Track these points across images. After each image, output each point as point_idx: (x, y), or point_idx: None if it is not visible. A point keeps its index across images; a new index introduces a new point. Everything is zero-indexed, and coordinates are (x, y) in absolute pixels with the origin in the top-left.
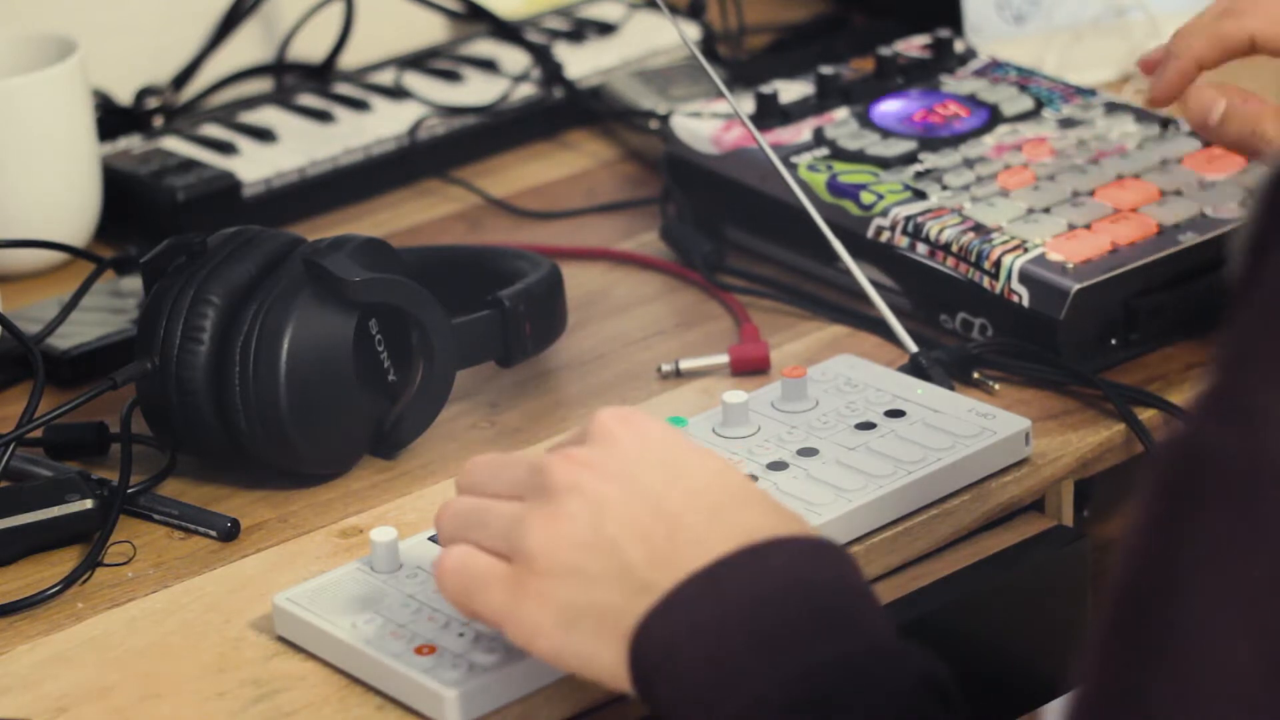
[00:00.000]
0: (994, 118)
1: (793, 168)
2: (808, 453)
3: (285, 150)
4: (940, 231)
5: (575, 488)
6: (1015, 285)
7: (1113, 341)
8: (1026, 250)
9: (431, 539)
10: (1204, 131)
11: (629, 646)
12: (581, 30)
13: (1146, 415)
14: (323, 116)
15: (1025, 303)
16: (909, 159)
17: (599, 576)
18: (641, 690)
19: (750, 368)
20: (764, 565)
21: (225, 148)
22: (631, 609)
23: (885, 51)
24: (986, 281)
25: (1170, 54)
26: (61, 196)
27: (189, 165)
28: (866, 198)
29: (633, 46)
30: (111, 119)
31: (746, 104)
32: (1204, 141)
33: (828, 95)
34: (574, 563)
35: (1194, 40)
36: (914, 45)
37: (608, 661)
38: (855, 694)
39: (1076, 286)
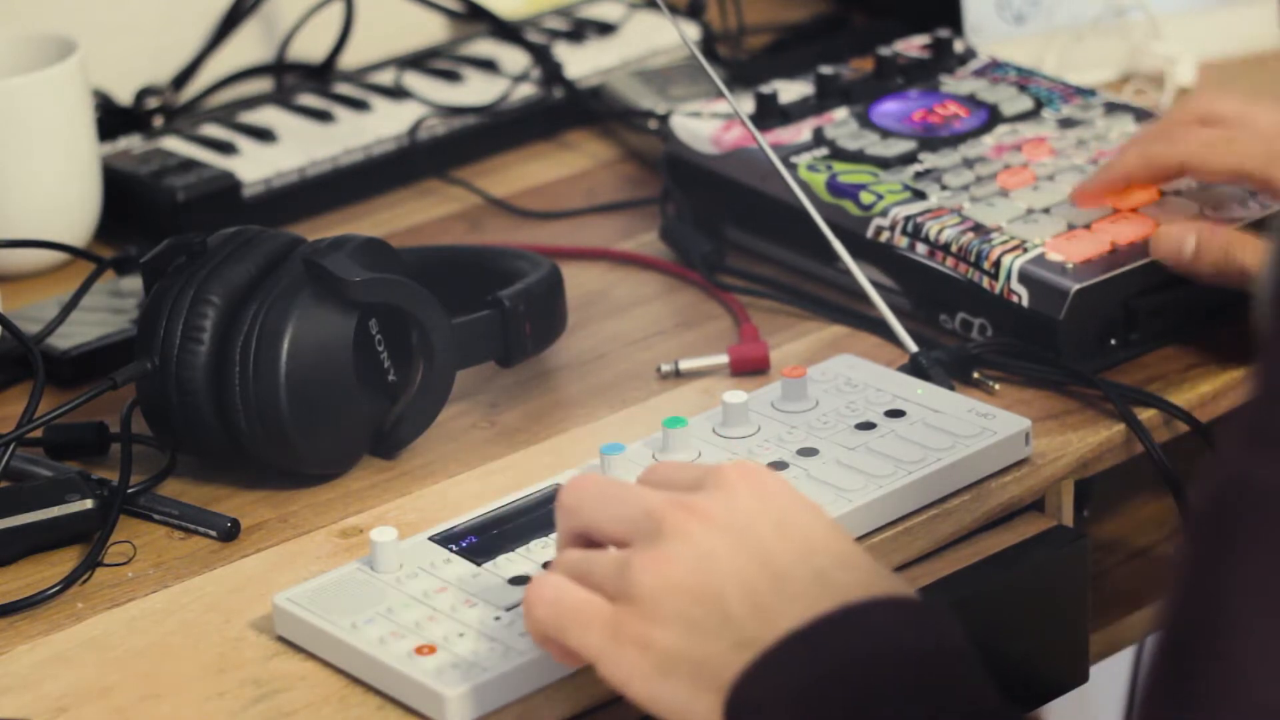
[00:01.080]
0: (993, 118)
1: (792, 168)
2: (808, 453)
3: (285, 150)
4: (940, 231)
5: (686, 535)
6: (1015, 285)
7: (1112, 341)
8: (1026, 250)
9: (437, 540)
10: (1178, 268)
11: (724, 701)
12: (581, 30)
13: (1146, 415)
14: (323, 116)
15: (1025, 303)
16: (909, 159)
17: (700, 626)
18: None
19: (750, 368)
20: (863, 626)
21: (225, 148)
22: (729, 662)
23: (885, 51)
24: (986, 281)
25: (1106, 165)
26: (61, 196)
27: (189, 165)
28: (866, 198)
29: (632, 46)
30: (111, 119)
31: (746, 104)
32: None
33: (827, 95)
34: (677, 610)
35: (1128, 156)
36: (914, 45)
37: (702, 713)
38: None
39: (1076, 286)
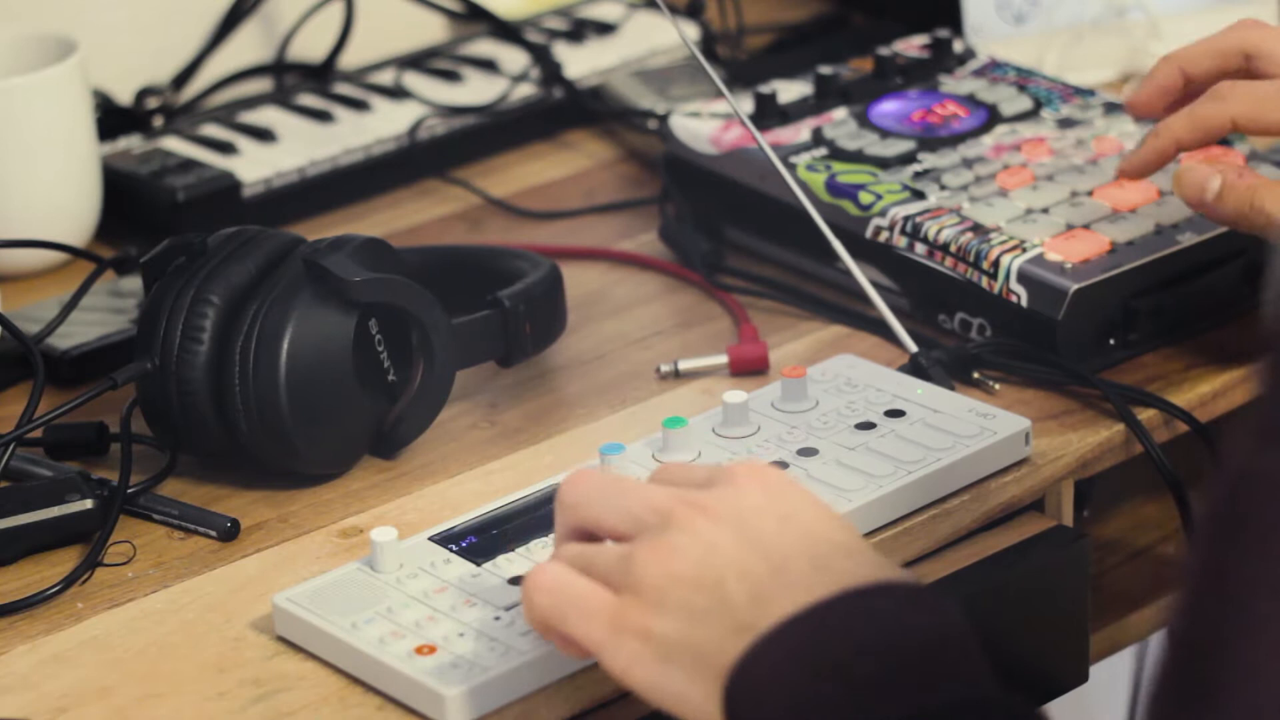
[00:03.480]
0: (993, 118)
1: (792, 168)
2: (808, 453)
3: (285, 150)
4: (939, 231)
5: (691, 529)
6: (1014, 285)
7: (1111, 341)
8: (1025, 250)
9: (437, 540)
10: (1200, 208)
11: (722, 686)
12: (581, 30)
13: (1146, 415)
14: (323, 116)
15: (1024, 302)
16: (908, 159)
17: (701, 613)
18: None
19: (749, 368)
20: (863, 610)
21: (225, 148)
22: (728, 648)
23: (884, 51)
24: (985, 281)
25: (1152, 133)
26: (61, 196)
27: (189, 165)
28: (865, 198)
29: (632, 46)
30: (111, 119)
31: (745, 104)
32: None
33: (827, 95)
34: (679, 599)
35: (1176, 123)
36: (913, 45)
37: (700, 700)
38: None
39: (1075, 286)
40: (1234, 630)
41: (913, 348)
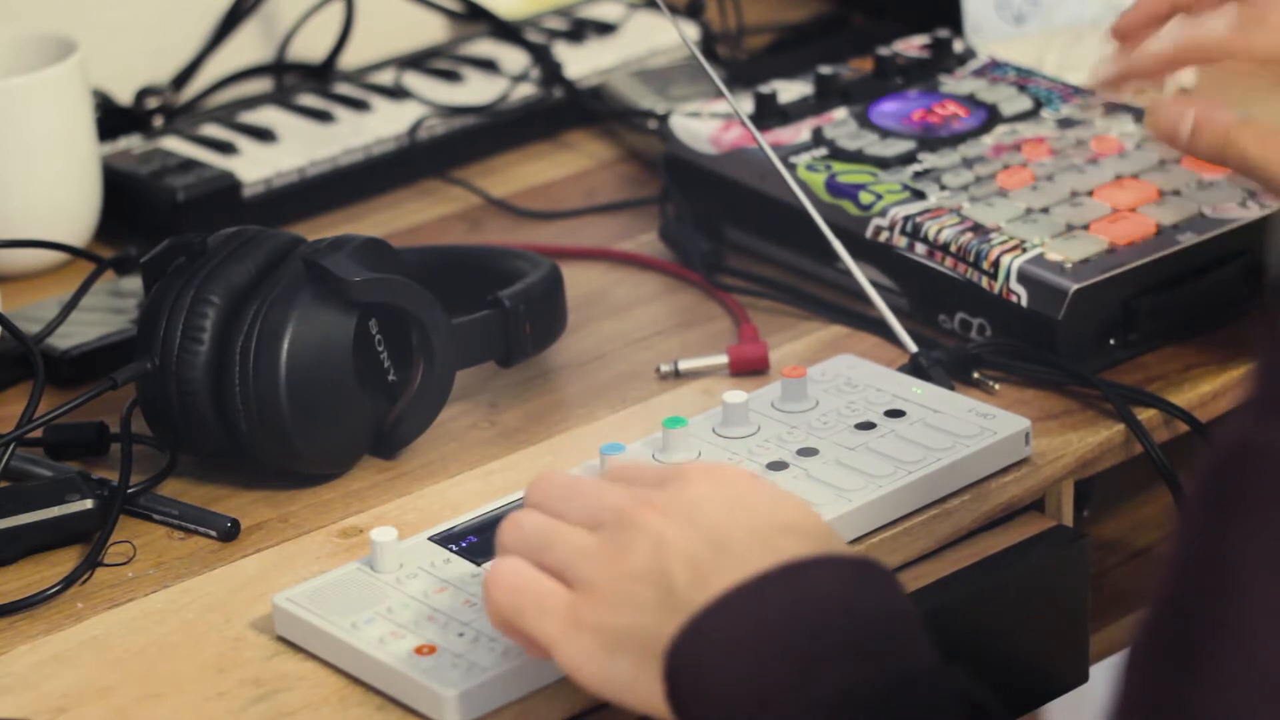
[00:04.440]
0: (993, 118)
1: (792, 168)
2: (808, 453)
3: (285, 150)
4: (939, 231)
5: (642, 525)
6: (1014, 285)
7: (1111, 341)
8: (1025, 250)
9: (437, 540)
10: (1174, 145)
11: (663, 666)
12: (581, 30)
13: (1146, 415)
14: (323, 116)
15: (1024, 303)
16: (908, 159)
17: (646, 603)
18: (677, 711)
19: (749, 368)
20: (801, 583)
21: (225, 148)
22: (668, 629)
23: (884, 51)
24: (985, 281)
25: (1137, 52)
26: (61, 196)
27: (189, 165)
28: (865, 198)
29: (632, 46)
30: (111, 119)
31: (745, 104)
32: None
33: (827, 95)
34: (627, 592)
35: (1160, 40)
36: (913, 45)
37: (646, 686)
38: (891, 716)
39: (1075, 286)
40: (1221, 597)
41: (913, 348)
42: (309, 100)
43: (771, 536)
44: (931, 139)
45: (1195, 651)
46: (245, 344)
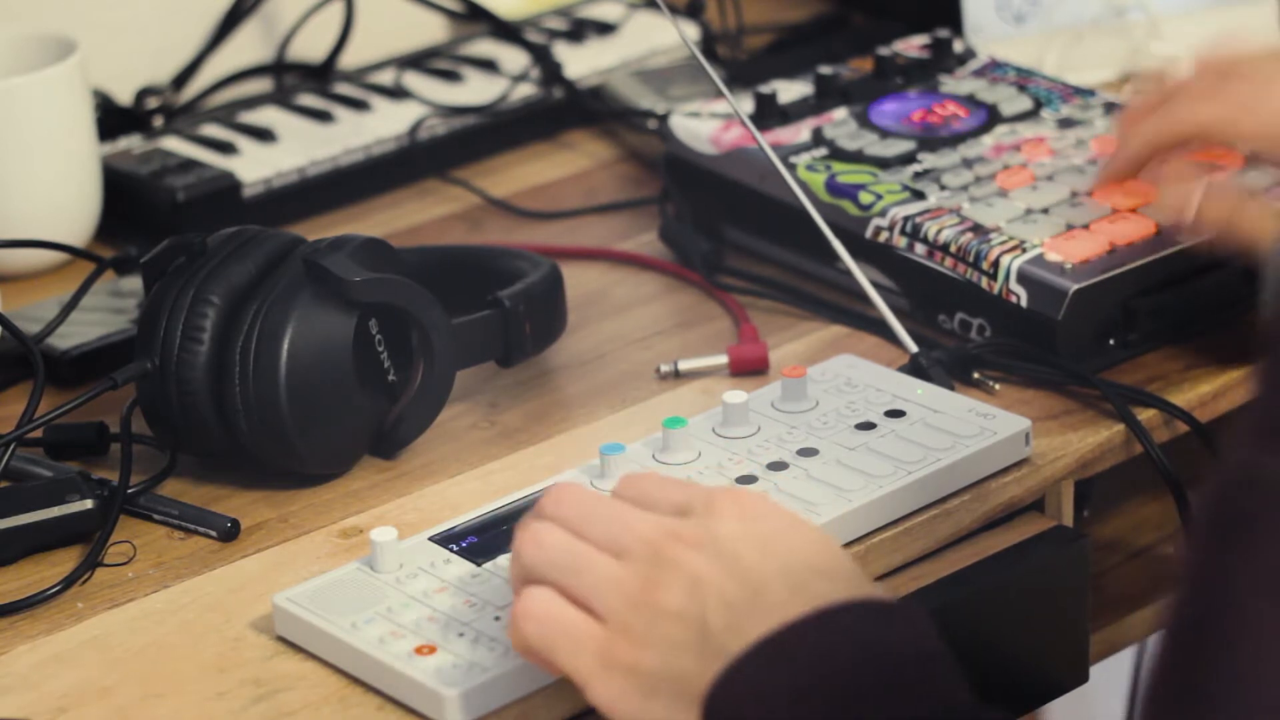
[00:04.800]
0: (993, 118)
1: (792, 168)
2: (808, 453)
3: (285, 150)
4: (939, 232)
5: (675, 563)
6: (1013, 285)
7: (1111, 342)
8: (1025, 250)
9: (437, 540)
10: (1180, 229)
11: (700, 712)
12: (581, 30)
13: (1146, 415)
14: (323, 116)
15: (1023, 303)
16: (908, 159)
17: (682, 645)
18: None
19: (749, 368)
20: (834, 629)
21: (225, 148)
22: (706, 674)
23: (884, 51)
24: (985, 282)
25: (1121, 140)
26: (61, 196)
27: (189, 165)
28: (865, 198)
29: (632, 46)
30: (111, 119)
31: (745, 104)
32: None
33: (827, 95)
34: (663, 633)
35: (1137, 135)
36: (913, 45)
37: None
38: None
39: (1075, 287)
40: (1231, 631)
41: (913, 348)
42: (309, 100)
43: (805, 581)
44: (931, 139)
45: (1203, 687)
46: (245, 344)
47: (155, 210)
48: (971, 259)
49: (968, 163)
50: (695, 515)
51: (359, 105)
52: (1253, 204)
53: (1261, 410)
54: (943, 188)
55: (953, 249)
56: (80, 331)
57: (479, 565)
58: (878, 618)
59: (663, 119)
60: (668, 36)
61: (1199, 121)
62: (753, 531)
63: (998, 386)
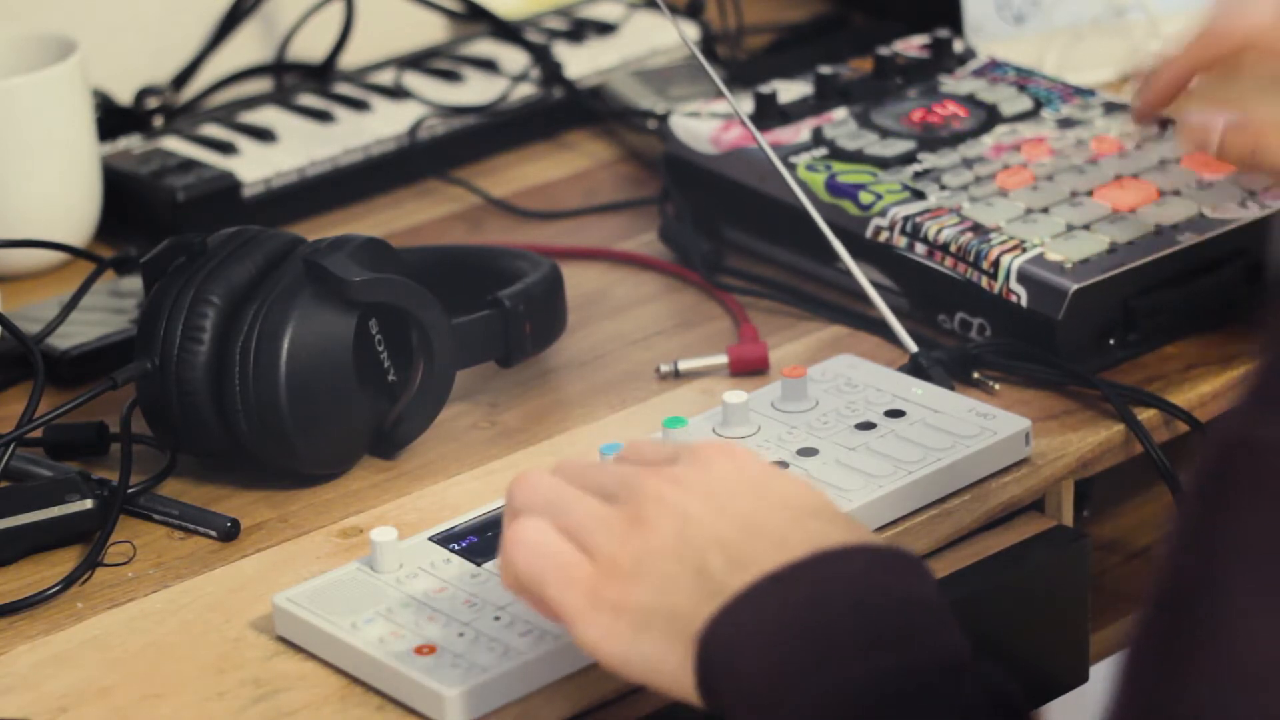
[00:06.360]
0: (992, 118)
1: (792, 168)
2: (808, 453)
3: (285, 150)
4: (939, 231)
5: (662, 499)
6: (1014, 285)
7: (1111, 341)
8: (1025, 250)
9: (437, 540)
10: (1205, 154)
11: (695, 648)
12: (581, 30)
13: (1146, 415)
14: (323, 116)
15: (1023, 302)
16: (908, 159)
17: (676, 581)
18: (705, 694)
19: (749, 368)
20: (834, 571)
21: (225, 148)
22: (702, 612)
23: (884, 51)
24: (985, 281)
25: (1165, 61)
26: (61, 196)
27: (189, 165)
28: (865, 198)
29: (632, 46)
30: (111, 119)
31: (745, 104)
32: None
33: (827, 95)
34: (656, 569)
35: (1189, 48)
36: (913, 45)
37: (674, 665)
38: (919, 706)
39: (1075, 286)
40: (1221, 588)
41: (913, 348)
42: (309, 100)
43: (803, 519)
44: (931, 139)
45: (1184, 645)
46: (245, 344)
47: (155, 210)
48: (971, 259)
49: (968, 163)
50: (683, 462)
51: (359, 105)
52: (1276, 137)
53: (1259, 381)
54: (943, 188)
55: (953, 249)
56: (80, 331)
57: (479, 565)
58: (878, 562)
59: (663, 119)
60: (668, 36)
61: (1246, 31)
62: (743, 475)
63: (998, 386)
